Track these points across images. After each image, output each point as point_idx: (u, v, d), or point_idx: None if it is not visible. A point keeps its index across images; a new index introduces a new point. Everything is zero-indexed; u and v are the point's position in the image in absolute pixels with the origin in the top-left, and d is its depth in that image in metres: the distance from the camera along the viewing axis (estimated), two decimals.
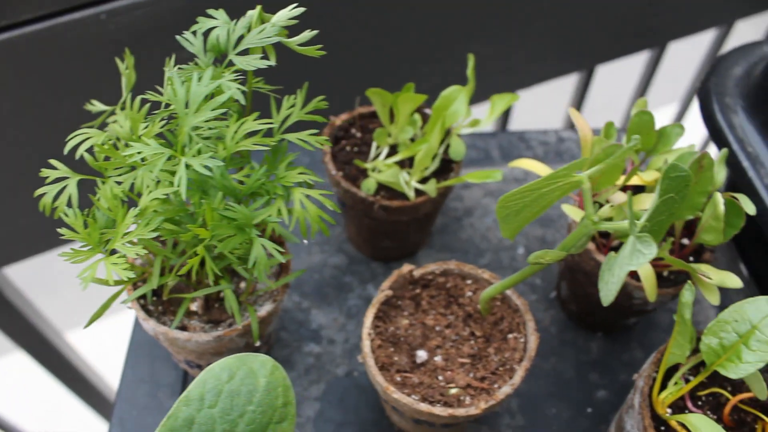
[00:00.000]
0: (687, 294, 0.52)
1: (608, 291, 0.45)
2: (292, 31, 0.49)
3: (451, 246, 0.74)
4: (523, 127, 0.97)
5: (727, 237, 0.58)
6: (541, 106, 1.67)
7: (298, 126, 0.54)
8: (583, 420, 0.66)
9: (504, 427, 0.64)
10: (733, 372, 0.52)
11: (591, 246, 0.62)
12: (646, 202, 0.61)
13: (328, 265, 0.72)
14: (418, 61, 0.92)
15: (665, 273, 0.64)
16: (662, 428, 0.57)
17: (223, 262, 0.55)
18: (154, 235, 0.47)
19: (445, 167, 0.68)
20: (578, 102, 1.26)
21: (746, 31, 1.54)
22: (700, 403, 0.59)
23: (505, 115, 1.19)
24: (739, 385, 0.60)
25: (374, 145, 0.67)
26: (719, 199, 0.57)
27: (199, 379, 0.47)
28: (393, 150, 0.67)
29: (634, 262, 0.42)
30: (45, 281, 1.67)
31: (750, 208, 0.61)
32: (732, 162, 0.70)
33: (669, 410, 0.57)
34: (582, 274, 0.65)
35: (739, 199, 0.60)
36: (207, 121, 0.46)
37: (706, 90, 0.77)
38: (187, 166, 0.46)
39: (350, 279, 0.71)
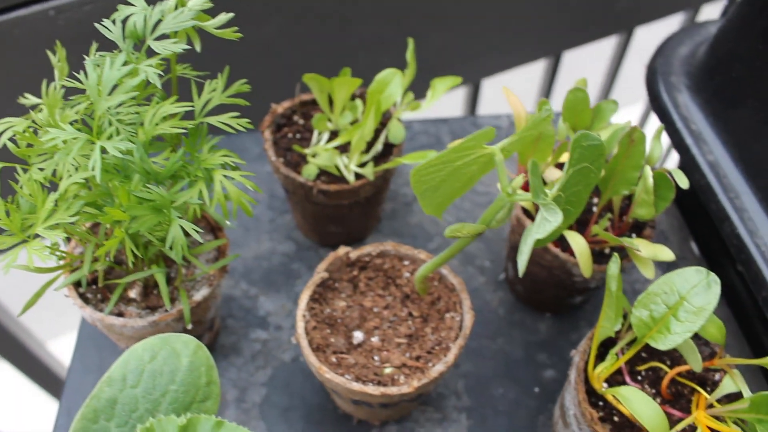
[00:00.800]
0: (613, 266, 0.52)
1: (521, 261, 0.45)
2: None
3: (400, 231, 0.74)
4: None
5: (659, 210, 0.59)
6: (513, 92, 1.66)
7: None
8: (530, 399, 0.66)
9: (450, 409, 0.64)
10: (662, 343, 0.52)
11: (529, 224, 0.62)
12: None
13: (277, 253, 0.72)
14: (374, 51, 0.93)
15: (606, 250, 0.65)
16: (600, 403, 0.57)
17: (154, 248, 0.55)
18: (74, 219, 0.47)
19: (388, 151, 0.68)
20: (547, 89, 1.26)
21: (714, 14, 1.54)
22: (639, 378, 0.59)
23: (473, 103, 1.19)
24: (677, 359, 0.60)
25: (316, 131, 0.67)
26: (648, 172, 0.57)
27: (121, 359, 0.47)
28: (334, 136, 0.68)
29: (540, 230, 0.43)
30: None
31: (683, 182, 0.61)
32: (676, 140, 0.71)
33: (606, 385, 0.57)
34: None
35: (674, 174, 0.61)
36: (121, 104, 0.47)
37: (653, 69, 0.77)
38: (103, 150, 0.46)
39: (298, 266, 0.71)
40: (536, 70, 1.33)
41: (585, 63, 1.62)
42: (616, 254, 0.52)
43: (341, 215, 0.67)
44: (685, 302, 0.52)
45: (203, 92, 0.53)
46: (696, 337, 0.59)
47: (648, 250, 0.57)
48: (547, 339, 0.69)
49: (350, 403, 0.59)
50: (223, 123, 0.51)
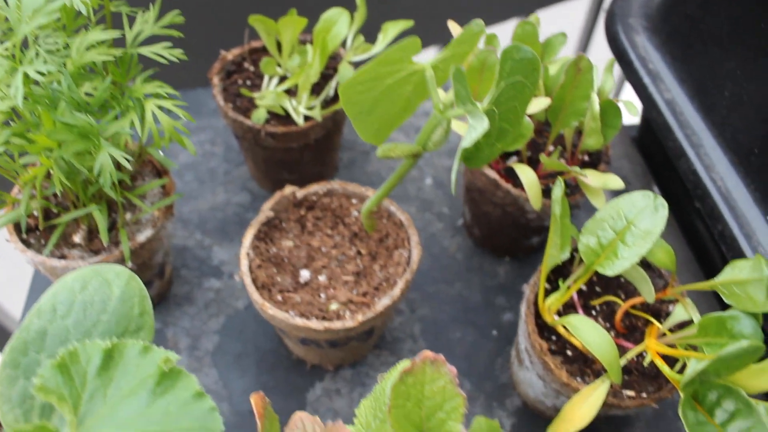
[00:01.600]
0: (556, 190, 0.51)
1: (453, 175, 0.44)
2: None
3: (358, 179, 0.73)
4: None
5: (608, 139, 0.58)
6: None
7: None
8: (488, 342, 0.65)
9: (406, 352, 0.63)
10: (610, 269, 0.51)
11: None
12: None
13: (232, 203, 0.71)
14: None
15: None
16: (553, 338, 0.56)
17: (93, 187, 0.54)
18: (1, 149, 0.46)
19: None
20: None
21: None
22: (594, 313, 0.58)
23: None
24: (632, 293, 0.59)
25: (266, 77, 0.66)
26: (594, 98, 0.56)
27: (51, 290, 0.46)
28: (284, 80, 0.67)
29: (467, 138, 0.42)
30: None
31: (633, 110, 0.60)
32: (634, 80, 0.70)
33: (557, 317, 0.56)
34: (477, 192, 0.64)
35: (624, 104, 0.60)
36: (45, 32, 0.46)
37: (612, 12, 0.76)
38: (26, 76, 0.45)
39: (252, 215, 0.70)
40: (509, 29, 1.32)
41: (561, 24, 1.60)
42: (559, 177, 0.51)
43: (293, 161, 0.66)
44: (632, 226, 0.51)
45: (135, 23, 0.51)
46: (650, 269, 0.59)
47: (597, 180, 0.56)
48: (505, 283, 0.68)
49: (299, 345, 0.58)
50: (155, 54, 0.50)
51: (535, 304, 0.56)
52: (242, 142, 0.66)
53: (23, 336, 0.47)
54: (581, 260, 0.57)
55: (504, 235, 0.67)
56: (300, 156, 0.66)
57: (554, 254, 0.53)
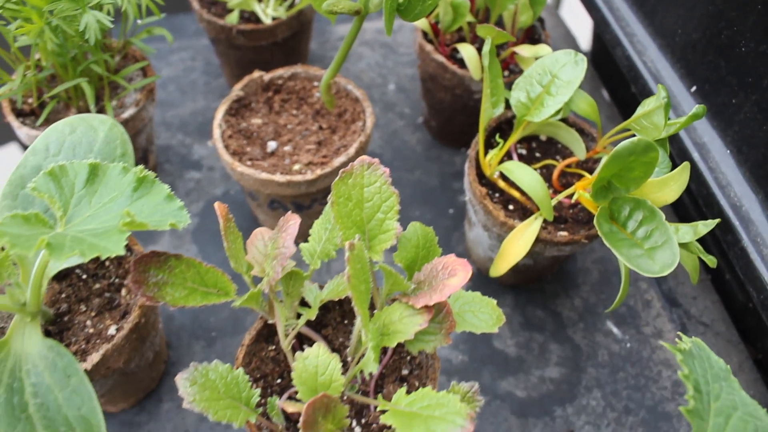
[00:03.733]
0: (485, 46, 0.57)
1: (385, 22, 0.51)
2: None
3: (325, 66, 0.80)
4: None
5: (536, 14, 0.64)
6: None
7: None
8: (446, 220, 0.71)
9: None
10: (538, 116, 0.57)
11: (429, 48, 0.68)
12: None
13: (211, 109, 0.78)
14: None
15: (504, 72, 0.70)
16: (496, 195, 0.62)
17: (82, 65, 0.61)
18: None
19: None
20: None
21: None
22: None
23: None
24: (567, 156, 0.65)
25: None
26: None
27: (43, 134, 0.53)
28: None
29: None
30: None
31: None
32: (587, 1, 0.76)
33: (497, 173, 0.62)
34: (430, 80, 0.71)
35: None
36: None
37: None
38: None
39: None
40: None
41: None
42: (488, 36, 0.58)
43: (264, 61, 0.73)
44: (556, 79, 0.58)
45: None
46: (583, 134, 0.65)
47: (529, 51, 0.63)
48: (461, 170, 0.75)
49: (269, 212, 0.65)
50: None
51: (477, 160, 0.62)
52: (217, 46, 0.73)
53: (20, 171, 0.53)
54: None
55: (457, 123, 0.73)
56: (270, 56, 0.73)
57: (488, 108, 0.59)
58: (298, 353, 0.43)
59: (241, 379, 0.45)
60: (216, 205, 0.46)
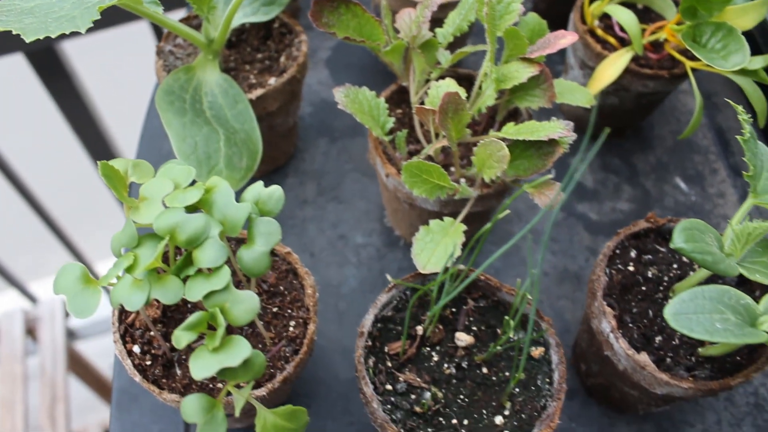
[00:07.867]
0: None
1: None
2: None
3: None
4: None
5: None
6: None
7: None
8: None
9: None
10: None
11: None
12: None
13: None
14: None
15: None
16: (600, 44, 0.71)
17: None
18: None
19: None
20: None
21: None
22: None
23: None
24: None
25: None
26: None
27: None
28: None
29: None
30: None
31: None
32: None
33: (597, 22, 0.72)
34: None
35: None
36: None
37: None
38: None
39: None
40: None
41: None
42: None
43: None
44: None
45: None
46: (677, 5, 0.74)
47: None
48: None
49: None
50: None
51: (582, 9, 0.72)
52: None
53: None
54: None
55: None
56: None
57: None
58: (432, 81, 0.55)
59: (382, 106, 0.56)
60: None
